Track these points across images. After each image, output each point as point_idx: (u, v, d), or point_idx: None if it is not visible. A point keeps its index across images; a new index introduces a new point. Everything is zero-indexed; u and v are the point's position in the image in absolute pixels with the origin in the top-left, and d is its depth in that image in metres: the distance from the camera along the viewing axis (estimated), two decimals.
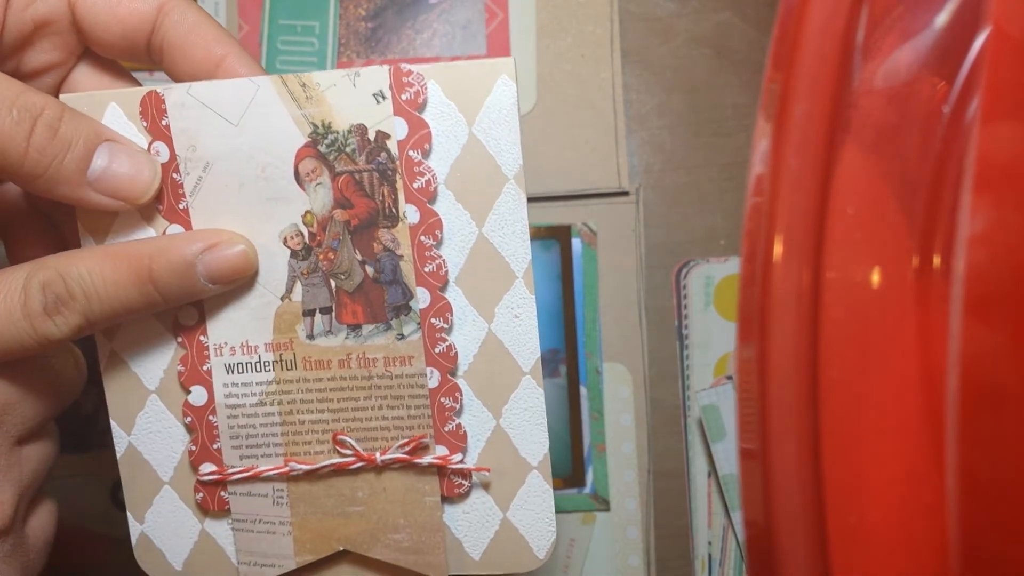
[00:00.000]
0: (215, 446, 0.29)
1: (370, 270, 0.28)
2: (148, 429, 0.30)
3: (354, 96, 0.27)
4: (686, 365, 0.43)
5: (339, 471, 0.29)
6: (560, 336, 0.42)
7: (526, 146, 0.43)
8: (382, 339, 0.28)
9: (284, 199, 0.28)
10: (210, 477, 0.29)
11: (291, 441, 0.29)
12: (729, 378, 0.42)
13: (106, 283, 0.26)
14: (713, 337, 0.42)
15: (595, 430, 0.42)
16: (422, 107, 0.27)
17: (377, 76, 0.27)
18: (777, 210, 0.21)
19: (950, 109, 0.24)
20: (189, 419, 0.29)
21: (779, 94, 0.22)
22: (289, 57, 0.43)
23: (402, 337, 0.28)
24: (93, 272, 0.26)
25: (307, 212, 0.28)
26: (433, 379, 0.29)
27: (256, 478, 0.29)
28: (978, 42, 0.22)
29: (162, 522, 0.30)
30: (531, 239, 0.42)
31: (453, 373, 0.29)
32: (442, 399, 0.29)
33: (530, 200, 0.43)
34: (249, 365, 0.29)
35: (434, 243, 0.28)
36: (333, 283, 0.28)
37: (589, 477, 0.42)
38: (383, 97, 0.27)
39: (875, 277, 0.24)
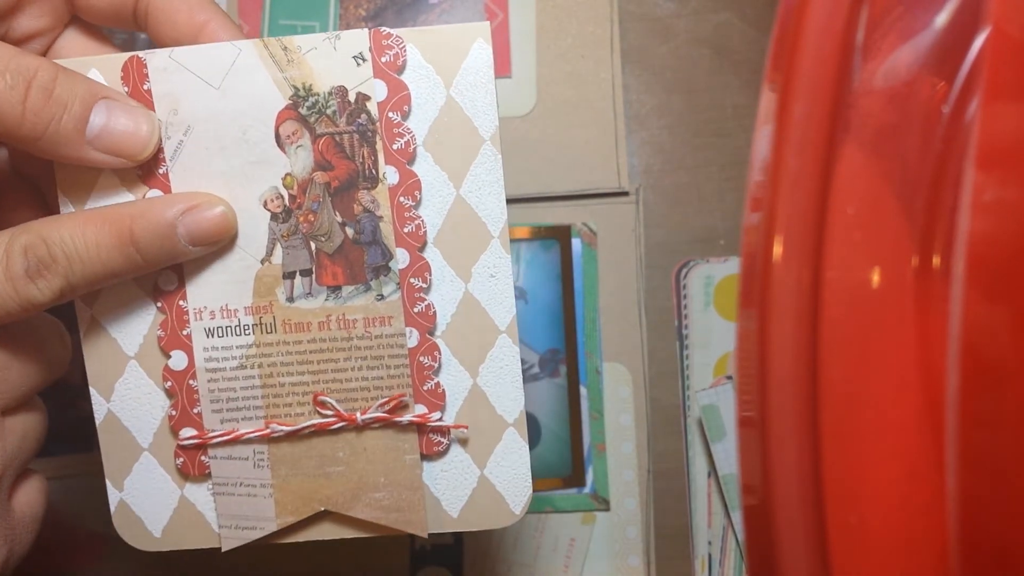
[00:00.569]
0: (195, 411, 0.30)
1: (350, 231, 0.29)
2: (127, 396, 0.30)
3: (335, 59, 0.28)
4: (686, 365, 0.43)
5: (320, 432, 0.29)
6: (560, 336, 0.42)
7: (526, 146, 0.43)
8: (362, 300, 0.29)
9: (264, 162, 0.28)
10: (191, 441, 0.30)
11: (272, 404, 0.29)
12: (729, 378, 0.42)
13: (88, 247, 0.26)
14: (713, 337, 0.42)
15: (595, 430, 0.42)
16: (401, 69, 0.28)
17: (357, 39, 0.28)
18: (777, 210, 0.21)
19: (950, 109, 0.24)
20: (169, 384, 0.30)
21: (779, 94, 0.22)
22: None
23: (381, 298, 0.29)
24: (75, 236, 0.26)
25: (287, 175, 0.28)
26: (412, 339, 0.29)
27: (237, 441, 0.29)
28: (978, 42, 0.22)
29: (141, 489, 0.30)
30: (531, 239, 0.42)
31: (431, 332, 0.29)
32: (421, 358, 0.29)
33: (530, 200, 0.43)
34: (229, 329, 0.29)
35: (413, 204, 0.29)
36: (313, 245, 0.29)
37: (589, 477, 0.42)
38: (363, 60, 0.28)
39: (875, 277, 0.24)
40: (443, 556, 0.42)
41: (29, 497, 0.29)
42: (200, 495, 0.30)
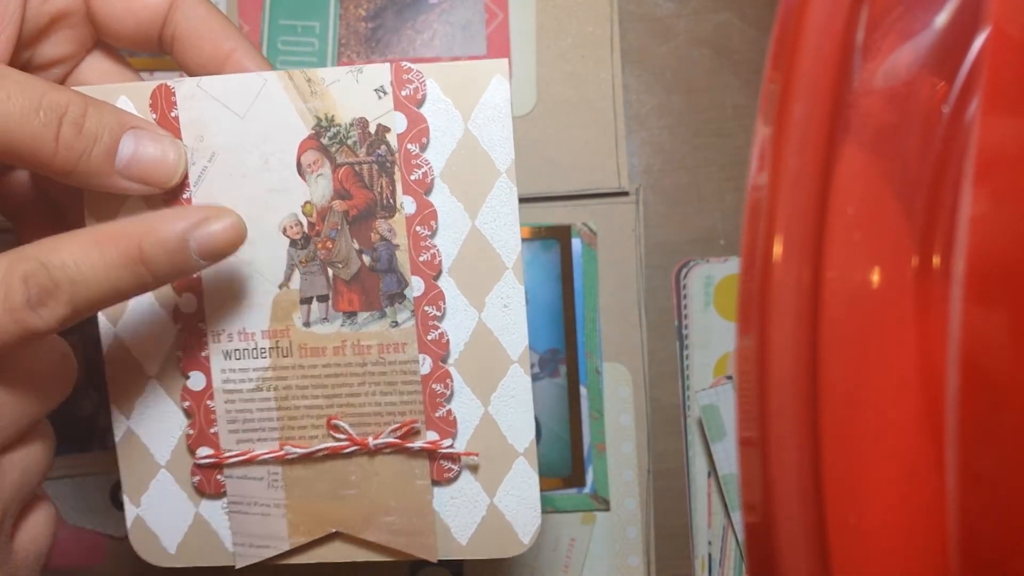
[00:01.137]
0: (212, 430, 0.30)
1: (367, 259, 0.29)
2: (146, 414, 0.30)
3: (357, 91, 0.28)
4: (686, 365, 0.43)
5: (333, 455, 0.30)
6: (560, 336, 0.42)
7: (526, 146, 0.43)
8: (376, 326, 0.29)
9: (285, 189, 0.29)
10: (207, 460, 0.30)
11: (286, 426, 0.30)
12: (729, 378, 0.42)
13: (94, 268, 0.25)
14: (713, 337, 0.42)
15: (595, 430, 0.42)
16: (421, 103, 0.29)
17: (379, 73, 0.28)
18: (777, 210, 0.21)
19: (950, 109, 0.24)
20: (188, 404, 0.30)
21: (779, 94, 0.22)
22: (289, 57, 0.43)
23: (396, 325, 0.29)
24: (78, 258, 0.25)
25: (307, 202, 0.29)
26: (425, 366, 0.29)
27: (252, 461, 0.30)
28: (978, 42, 0.22)
29: (157, 505, 0.31)
30: (531, 239, 0.42)
31: (444, 360, 0.29)
32: (433, 385, 0.29)
33: (530, 200, 0.43)
34: (246, 351, 0.30)
35: (429, 233, 0.29)
36: (330, 271, 0.29)
37: (589, 477, 0.42)
38: (384, 92, 0.28)
39: (875, 277, 0.24)
40: None
41: (33, 532, 0.28)
42: (215, 513, 0.31)
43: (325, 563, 0.31)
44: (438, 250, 0.29)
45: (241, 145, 0.29)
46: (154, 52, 0.30)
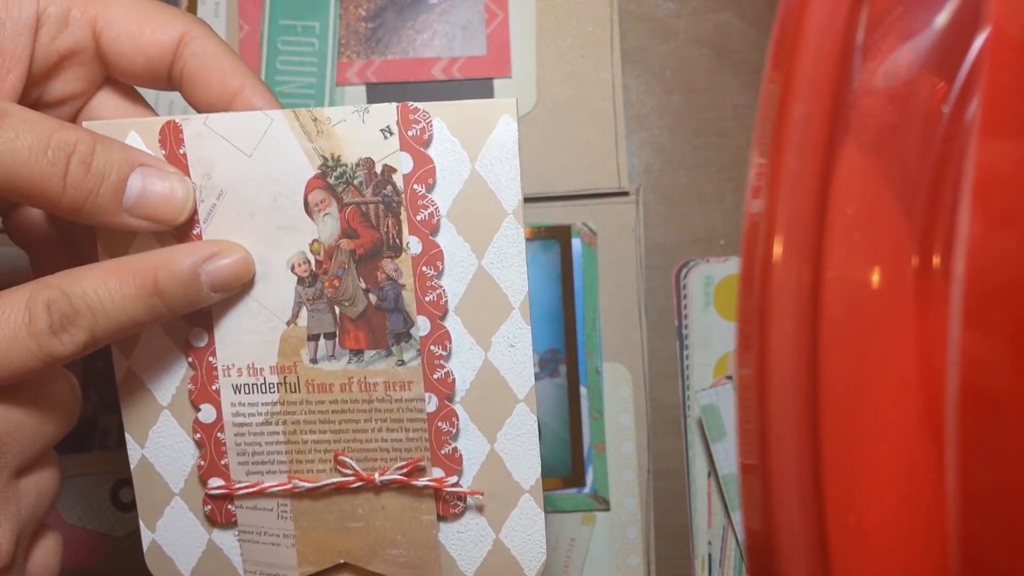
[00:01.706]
0: (223, 462, 0.31)
1: (373, 298, 0.29)
2: (160, 443, 0.31)
3: (363, 131, 0.28)
4: (686, 365, 0.43)
5: (340, 489, 0.30)
6: (560, 336, 0.42)
7: (526, 146, 0.43)
8: (383, 364, 0.29)
9: (293, 228, 0.29)
10: (218, 491, 0.31)
11: (295, 460, 0.30)
12: (729, 378, 0.42)
13: (113, 298, 0.26)
14: (713, 337, 0.42)
15: (595, 430, 0.42)
16: (427, 143, 0.29)
17: (385, 113, 0.28)
18: (777, 210, 0.21)
19: (950, 109, 0.24)
20: (199, 435, 0.30)
21: (779, 94, 0.22)
22: (289, 57, 0.43)
23: (402, 363, 0.29)
24: (98, 289, 0.26)
25: (314, 241, 0.29)
26: (431, 404, 0.30)
27: (262, 494, 0.30)
28: (978, 42, 0.22)
29: (172, 531, 0.31)
30: (531, 239, 0.42)
31: (450, 399, 0.30)
32: (439, 423, 0.30)
33: (530, 200, 0.43)
34: (255, 386, 0.30)
35: (435, 273, 0.29)
36: (337, 309, 0.29)
37: (589, 477, 0.42)
38: (390, 133, 0.28)
39: (875, 277, 0.24)
40: None
41: (44, 557, 0.29)
42: (227, 540, 0.31)
43: None
44: (444, 290, 0.29)
45: (249, 183, 0.29)
46: (163, 89, 0.30)
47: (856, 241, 0.23)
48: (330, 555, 0.31)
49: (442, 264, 0.29)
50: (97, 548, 0.41)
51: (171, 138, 0.29)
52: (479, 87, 0.43)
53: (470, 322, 0.29)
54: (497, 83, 0.43)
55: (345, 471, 0.30)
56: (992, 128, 0.18)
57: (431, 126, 0.28)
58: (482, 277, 0.29)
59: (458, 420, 0.30)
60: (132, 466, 0.31)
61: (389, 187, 0.29)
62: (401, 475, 0.30)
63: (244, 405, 0.30)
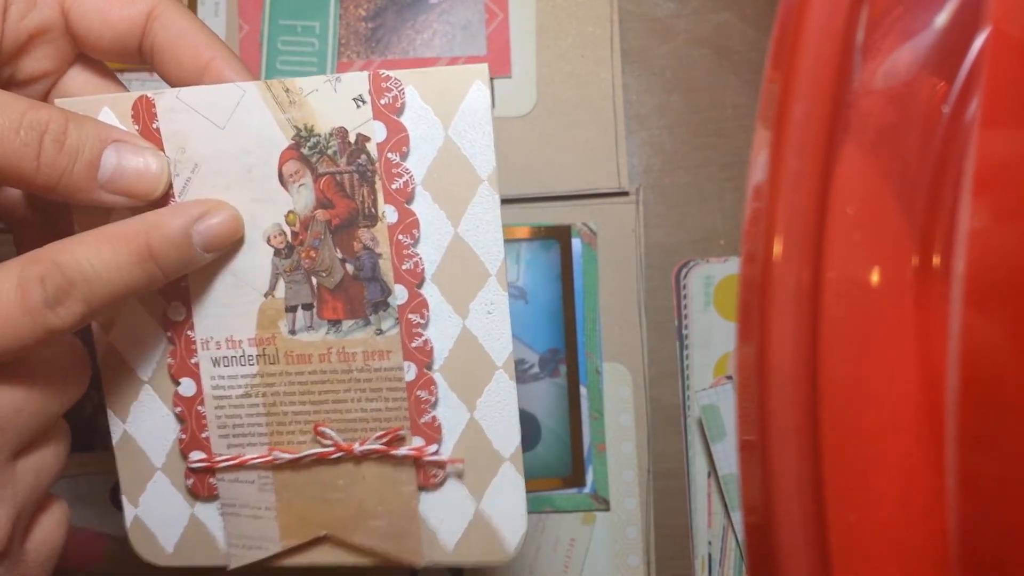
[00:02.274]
0: (204, 435, 0.31)
1: (350, 268, 0.29)
2: (141, 417, 0.31)
3: (335, 101, 0.28)
4: (686, 365, 0.43)
5: (320, 460, 0.30)
6: (560, 336, 0.42)
7: (526, 146, 0.43)
8: (361, 334, 0.29)
9: (268, 199, 0.29)
10: (199, 464, 0.31)
11: (275, 431, 0.30)
12: (729, 378, 0.42)
13: (107, 266, 0.26)
14: (713, 337, 0.42)
15: (595, 430, 0.42)
16: (400, 111, 0.28)
17: (357, 81, 0.28)
18: (777, 210, 0.21)
19: (950, 109, 0.24)
20: (179, 409, 0.31)
21: (779, 94, 0.22)
22: (289, 57, 0.43)
23: (380, 332, 0.29)
24: (91, 257, 0.26)
25: (290, 212, 0.29)
26: (410, 373, 0.30)
27: (242, 466, 0.30)
28: (978, 42, 0.22)
29: (155, 506, 0.31)
30: (531, 239, 0.42)
31: (429, 367, 0.30)
32: (418, 392, 0.30)
33: (530, 200, 0.43)
34: (234, 359, 0.30)
35: (411, 242, 0.29)
36: (314, 280, 0.29)
37: (589, 477, 0.42)
38: (363, 101, 0.28)
39: (875, 277, 0.24)
40: None
41: (46, 533, 0.28)
42: (209, 515, 0.31)
43: (316, 567, 0.31)
44: (421, 258, 0.29)
45: (223, 156, 0.29)
46: (135, 63, 0.30)
47: (856, 241, 0.23)
48: (311, 527, 0.31)
49: (418, 232, 0.29)
50: (97, 548, 0.41)
51: (144, 113, 0.29)
52: None
53: (447, 290, 0.29)
54: (497, 83, 0.43)
55: (325, 442, 0.30)
56: (992, 128, 0.18)
57: (403, 94, 0.28)
58: (458, 244, 0.29)
59: (437, 388, 0.30)
60: (114, 441, 0.31)
61: (363, 156, 0.29)
62: (381, 445, 0.30)
63: (224, 378, 0.30)
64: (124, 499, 0.31)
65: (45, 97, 0.30)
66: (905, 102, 0.24)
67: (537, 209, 0.43)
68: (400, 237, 0.29)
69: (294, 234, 0.29)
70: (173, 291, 0.30)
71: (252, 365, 0.30)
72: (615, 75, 0.43)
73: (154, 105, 0.28)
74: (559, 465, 0.42)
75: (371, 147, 0.28)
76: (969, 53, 0.23)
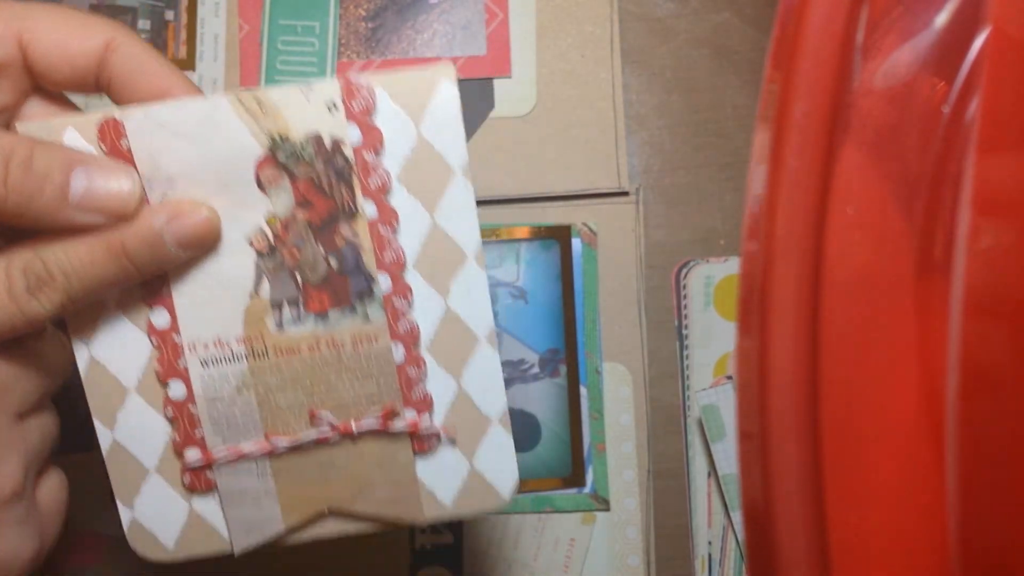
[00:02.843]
0: (198, 433, 0.31)
1: (333, 262, 0.30)
2: (130, 424, 0.31)
3: (308, 108, 0.29)
4: (686, 365, 0.43)
5: (318, 443, 0.31)
6: (560, 336, 0.42)
7: (526, 146, 0.43)
8: (348, 322, 0.30)
9: (248, 205, 0.30)
10: (196, 463, 0.31)
11: (270, 422, 0.31)
12: (729, 378, 0.42)
13: (83, 262, 0.28)
14: (713, 337, 0.42)
15: (595, 430, 0.42)
16: (372, 113, 0.30)
17: (329, 88, 0.29)
18: (777, 210, 0.21)
19: (950, 109, 0.24)
20: (170, 412, 0.31)
21: (779, 94, 0.22)
22: (289, 57, 0.43)
23: (367, 319, 0.30)
24: (68, 252, 0.28)
25: (271, 215, 0.30)
26: (399, 354, 0.31)
27: (241, 457, 0.31)
28: (978, 42, 0.22)
29: (151, 507, 0.32)
30: (531, 239, 0.42)
31: (417, 346, 0.31)
32: (408, 370, 0.31)
33: (530, 200, 0.43)
34: (223, 358, 0.31)
35: (392, 233, 0.30)
36: (299, 277, 0.30)
37: (589, 477, 0.42)
38: (335, 107, 0.29)
39: (875, 277, 0.24)
40: (443, 556, 0.42)
41: (51, 489, 0.31)
42: (208, 507, 0.32)
43: (323, 545, 0.32)
44: (401, 248, 0.30)
45: (198, 169, 0.29)
46: (91, 93, 0.31)
47: (856, 241, 0.23)
48: (313, 504, 0.31)
49: (397, 224, 0.30)
50: (97, 548, 0.41)
51: (111, 132, 0.29)
52: (479, 87, 0.43)
53: (428, 274, 0.31)
54: (497, 83, 0.43)
55: (322, 426, 0.31)
56: (993, 127, 0.18)
57: (375, 97, 0.29)
58: (436, 232, 0.30)
59: (425, 365, 0.31)
60: (104, 450, 0.31)
61: (339, 157, 0.29)
62: (376, 422, 0.31)
63: (214, 378, 0.31)
64: (119, 503, 0.32)
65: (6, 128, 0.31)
66: (905, 102, 0.24)
67: (537, 209, 0.43)
68: (380, 230, 0.30)
69: (276, 236, 0.30)
70: (156, 296, 0.30)
71: (242, 362, 0.31)
72: (615, 75, 0.43)
73: (121, 124, 0.29)
74: (559, 465, 0.42)
75: (346, 149, 0.29)
76: (969, 53, 0.23)
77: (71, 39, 0.29)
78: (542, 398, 0.42)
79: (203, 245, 0.29)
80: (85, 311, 0.30)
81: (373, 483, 0.31)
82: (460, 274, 0.31)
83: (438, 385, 0.31)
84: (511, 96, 0.43)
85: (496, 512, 0.33)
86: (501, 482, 0.32)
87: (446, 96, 0.30)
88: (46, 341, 0.30)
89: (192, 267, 0.30)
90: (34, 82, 0.31)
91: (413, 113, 0.30)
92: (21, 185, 0.27)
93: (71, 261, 0.28)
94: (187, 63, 0.44)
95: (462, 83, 0.43)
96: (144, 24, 0.44)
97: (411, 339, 0.31)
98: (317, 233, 0.30)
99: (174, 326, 0.30)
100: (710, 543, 0.42)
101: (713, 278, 0.43)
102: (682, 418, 0.42)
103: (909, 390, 0.23)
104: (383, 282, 0.30)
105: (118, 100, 0.31)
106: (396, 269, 0.30)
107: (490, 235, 0.42)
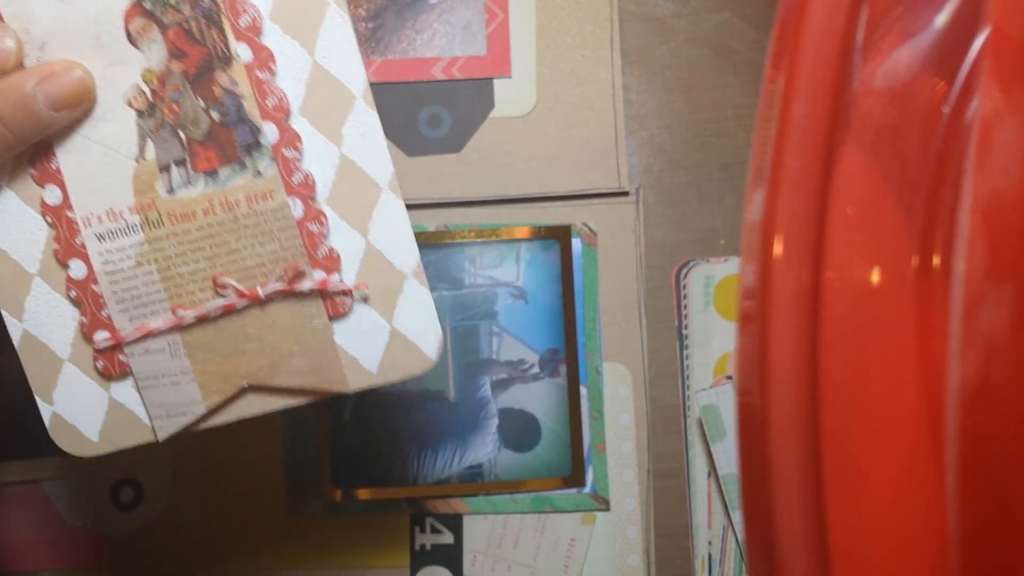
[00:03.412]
0: (104, 314, 0.30)
1: (215, 114, 0.30)
2: (38, 311, 0.31)
3: None
4: (686, 365, 0.43)
5: (227, 312, 0.30)
6: (560, 336, 0.42)
7: (526, 146, 0.43)
8: (240, 180, 0.30)
9: (121, 62, 0.29)
10: (106, 344, 0.30)
11: (174, 295, 0.30)
12: (729, 378, 0.42)
13: None
14: (713, 337, 0.42)
15: (595, 430, 0.42)
16: None
17: None
18: (777, 210, 0.21)
19: (950, 109, 0.24)
20: (74, 293, 0.30)
21: (779, 94, 0.22)
22: None
23: (259, 174, 0.30)
24: None
25: (145, 70, 0.29)
26: (297, 209, 0.30)
27: (150, 335, 0.30)
28: (978, 42, 0.22)
29: (70, 399, 0.31)
30: (531, 239, 0.42)
31: (314, 199, 0.30)
32: (309, 226, 0.30)
33: (530, 200, 0.43)
34: (118, 231, 0.30)
35: (270, 76, 0.29)
36: (182, 134, 0.30)
37: (589, 477, 0.42)
38: None
39: (875, 277, 0.24)
40: (443, 556, 0.42)
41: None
42: (127, 394, 0.31)
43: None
44: (283, 92, 0.29)
45: (68, 29, 0.29)
46: None
47: (856, 241, 0.23)
48: (232, 381, 0.31)
49: (275, 65, 0.29)
50: (97, 548, 0.41)
51: None
52: (479, 87, 0.43)
53: (317, 120, 0.30)
54: (497, 83, 0.43)
55: (227, 293, 0.30)
56: (992, 129, 0.18)
57: None
58: (318, 72, 0.30)
59: (327, 219, 0.30)
60: (15, 342, 0.31)
61: None
62: (283, 284, 0.30)
63: (112, 252, 0.30)
64: (38, 399, 0.31)
65: None
66: (905, 102, 0.24)
67: (537, 209, 0.43)
68: (258, 73, 0.29)
69: (153, 92, 0.29)
70: (45, 173, 0.30)
71: (137, 233, 0.30)
72: (615, 75, 0.43)
73: None
74: (559, 465, 0.42)
75: None
76: (969, 53, 0.23)
77: None
78: (542, 398, 0.42)
79: (79, 104, 0.29)
80: None
81: (290, 353, 0.31)
82: (351, 117, 0.30)
83: (344, 240, 0.30)
84: (511, 96, 0.43)
85: (423, 374, 0.31)
86: (425, 342, 0.31)
87: None
88: None
89: (75, 136, 0.29)
90: None
91: None
92: None
93: None
94: None
95: (462, 83, 0.43)
96: None
97: (307, 191, 0.30)
98: (194, 84, 0.29)
99: (66, 202, 0.30)
100: (710, 543, 0.42)
101: (713, 278, 0.43)
102: (682, 418, 0.42)
103: (909, 390, 0.23)
104: (269, 131, 0.29)
105: None
106: (280, 115, 0.29)
107: (490, 235, 0.42)
